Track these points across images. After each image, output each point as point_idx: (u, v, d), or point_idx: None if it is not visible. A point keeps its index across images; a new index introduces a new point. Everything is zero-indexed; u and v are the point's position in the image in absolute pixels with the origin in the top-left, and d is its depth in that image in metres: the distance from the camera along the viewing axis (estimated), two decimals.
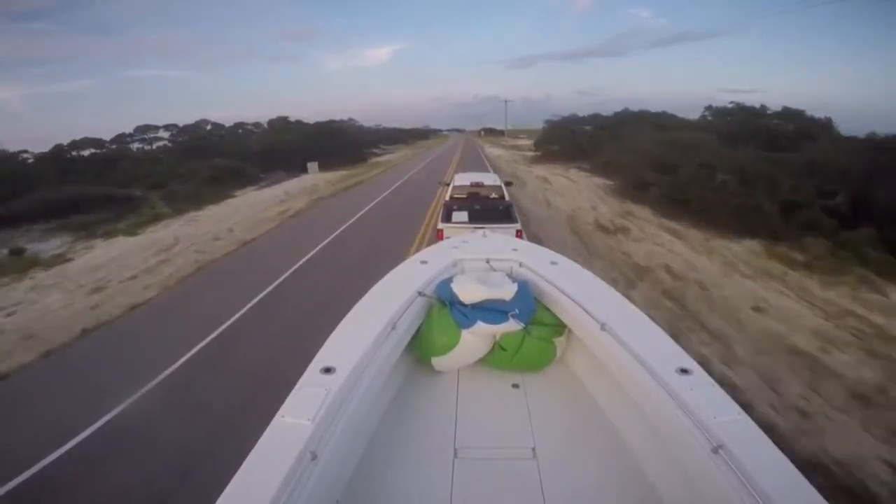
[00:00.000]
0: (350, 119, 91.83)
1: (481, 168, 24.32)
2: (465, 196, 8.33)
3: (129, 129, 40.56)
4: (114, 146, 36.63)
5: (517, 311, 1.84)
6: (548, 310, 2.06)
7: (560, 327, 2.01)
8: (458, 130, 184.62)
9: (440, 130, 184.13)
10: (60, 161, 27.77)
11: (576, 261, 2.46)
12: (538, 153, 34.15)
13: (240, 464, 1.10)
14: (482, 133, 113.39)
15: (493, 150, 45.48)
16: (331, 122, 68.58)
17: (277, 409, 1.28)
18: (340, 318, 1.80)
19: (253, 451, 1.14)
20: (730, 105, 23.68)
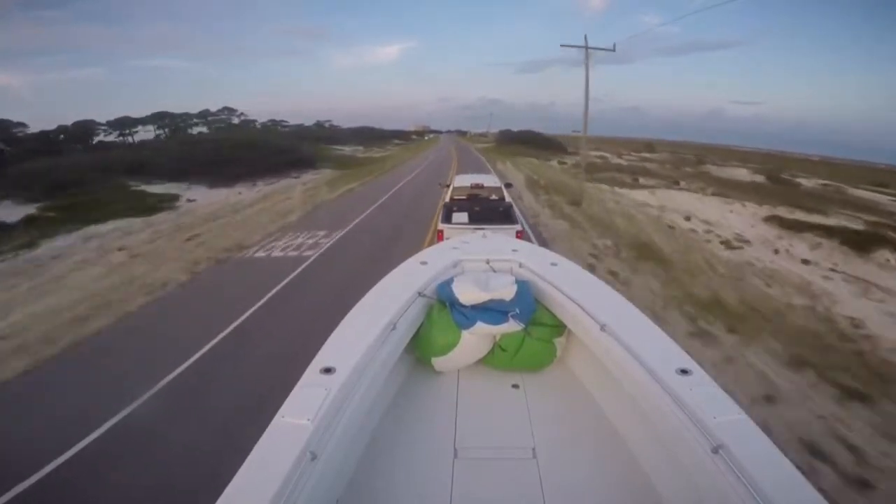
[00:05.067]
0: (241, 113, 71.92)
1: None
2: (465, 197, 8.48)
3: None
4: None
5: (517, 311, 1.85)
6: (548, 310, 2.08)
7: (560, 328, 2.03)
8: (460, 132, 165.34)
9: (439, 132, 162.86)
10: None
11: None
12: None
13: (242, 460, 1.11)
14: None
15: None
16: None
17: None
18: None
19: (253, 451, 1.14)
20: None
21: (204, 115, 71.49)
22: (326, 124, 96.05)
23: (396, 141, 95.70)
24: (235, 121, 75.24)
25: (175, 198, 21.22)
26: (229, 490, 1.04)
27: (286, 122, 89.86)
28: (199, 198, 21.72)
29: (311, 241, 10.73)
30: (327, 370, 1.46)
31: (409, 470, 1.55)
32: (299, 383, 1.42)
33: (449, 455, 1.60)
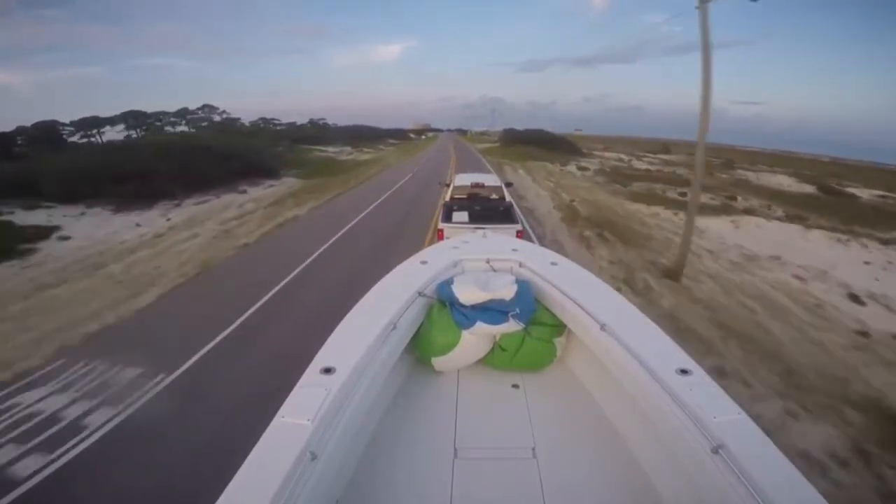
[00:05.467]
0: (223, 111, 64.85)
1: None
2: (465, 196, 8.47)
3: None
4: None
5: (517, 311, 1.92)
6: (548, 310, 2.14)
7: (560, 327, 2.09)
8: (460, 131, 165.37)
9: (440, 130, 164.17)
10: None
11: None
12: None
13: (244, 458, 1.15)
14: None
15: None
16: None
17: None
18: None
19: (253, 451, 1.19)
20: None
21: (182, 114, 65.27)
22: (321, 122, 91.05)
23: (391, 140, 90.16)
24: (217, 119, 68.76)
25: (45, 234, 15.16)
26: (229, 490, 1.07)
27: (277, 120, 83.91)
28: (79, 233, 16.23)
29: (55, 428, 4.63)
30: (327, 370, 1.51)
31: (409, 470, 1.61)
32: (299, 383, 1.48)
33: (449, 455, 1.65)
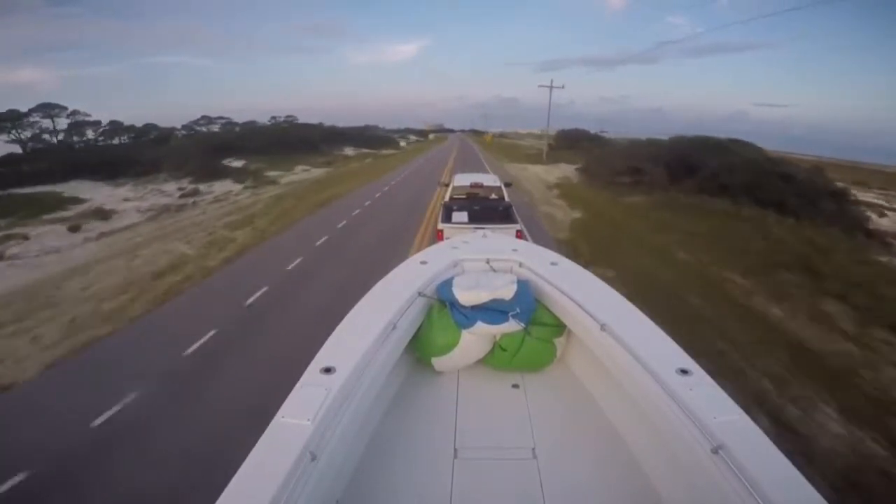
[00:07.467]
0: (73, 112, 43.80)
1: None
2: (464, 196, 8.50)
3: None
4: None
5: (517, 311, 1.92)
6: (548, 310, 2.15)
7: (560, 327, 2.10)
8: (475, 131, 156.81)
9: (452, 130, 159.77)
10: None
11: None
12: None
13: (243, 458, 1.17)
14: None
15: None
16: None
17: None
18: None
19: (253, 451, 1.19)
20: None
21: (8, 118, 44.50)
22: (291, 121, 73.01)
23: (365, 149, 59.16)
24: (62, 123, 46.35)
25: None
26: (229, 490, 1.07)
27: (229, 119, 62.79)
28: None
29: None
30: (327, 370, 1.52)
31: (409, 470, 1.62)
32: (299, 383, 1.49)
33: (449, 455, 1.66)
